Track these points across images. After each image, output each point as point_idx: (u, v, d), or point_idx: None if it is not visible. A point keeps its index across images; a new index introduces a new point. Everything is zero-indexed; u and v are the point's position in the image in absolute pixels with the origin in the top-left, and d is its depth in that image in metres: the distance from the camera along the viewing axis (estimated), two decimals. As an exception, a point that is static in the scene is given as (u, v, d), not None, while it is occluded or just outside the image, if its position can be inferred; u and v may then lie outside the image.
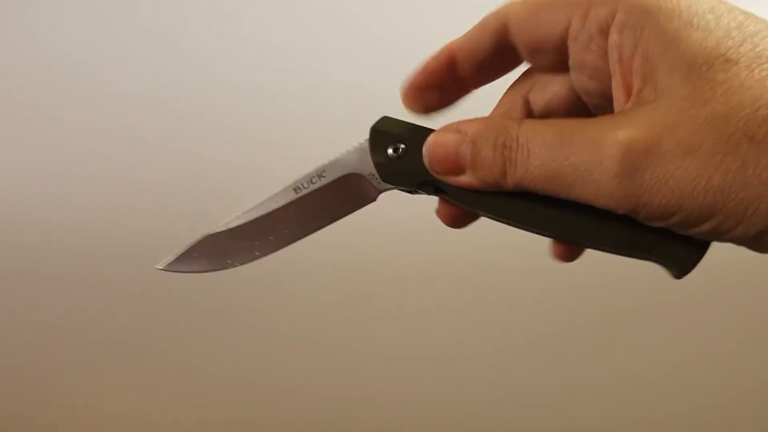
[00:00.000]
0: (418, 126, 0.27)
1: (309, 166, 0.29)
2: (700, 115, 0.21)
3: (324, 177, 0.28)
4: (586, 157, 0.22)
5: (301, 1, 0.76)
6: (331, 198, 0.28)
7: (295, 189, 0.28)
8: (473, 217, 0.28)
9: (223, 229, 0.29)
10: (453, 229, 0.29)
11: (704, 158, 0.20)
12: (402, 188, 0.27)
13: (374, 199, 0.28)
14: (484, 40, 0.27)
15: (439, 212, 0.28)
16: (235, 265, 0.29)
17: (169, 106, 0.76)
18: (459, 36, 0.27)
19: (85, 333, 0.77)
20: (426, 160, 0.26)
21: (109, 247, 0.76)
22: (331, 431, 0.76)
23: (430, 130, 0.27)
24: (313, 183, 0.28)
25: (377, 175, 0.27)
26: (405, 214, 0.61)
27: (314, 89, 0.74)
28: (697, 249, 0.25)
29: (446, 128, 0.26)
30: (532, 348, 0.72)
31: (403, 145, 0.27)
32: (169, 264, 0.29)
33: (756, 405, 0.72)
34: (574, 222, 0.25)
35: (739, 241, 0.22)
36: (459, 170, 0.25)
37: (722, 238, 0.22)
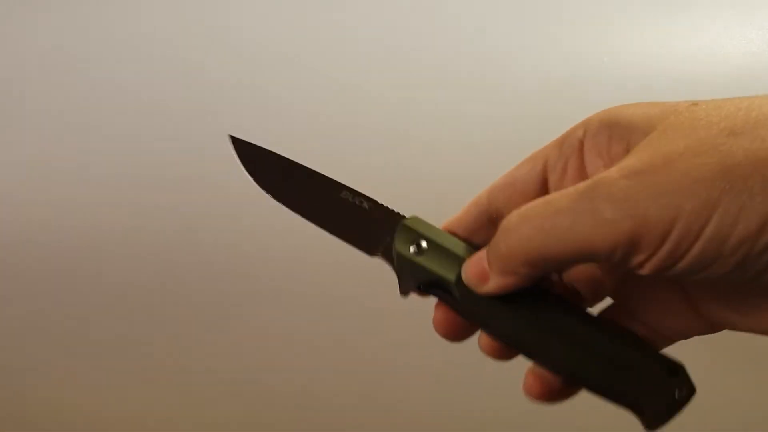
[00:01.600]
0: (443, 231, 0.29)
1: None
2: (678, 132, 0.22)
3: (366, 208, 0.30)
4: (581, 198, 0.23)
5: (303, 1, 0.76)
6: (353, 221, 0.30)
7: (343, 189, 0.30)
8: (469, 332, 0.29)
9: (283, 155, 0.31)
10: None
11: (690, 158, 0.21)
12: (407, 280, 0.29)
13: (371, 255, 0.30)
14: (471, 218, 0.29)
15: (436, 322, 0.29)
16: (260, 184, 0.31)
17: (167, 107, 0.76)
18: (453, 216, 0.30)
19: (85, 332, 0.77)
20: (464, 279, 0.27)
21: (109, 247, 0.76)
22: (331, 430, 0.76)
23: (452, 237, 0.29)
24: (358, 203, 0.30)
25: (390, 256, 0.29)
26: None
27: (314, 89, 0.74)
28: (671, 406, 0.25)
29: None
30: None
31: (425, 244, 0.28)
32: (239, 140, 0.32)
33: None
34: (565, 347, 0.26)
35: (746, 251, 0.21)
36: (485, 277, 0.26)
37: (726, 247, 0.21)
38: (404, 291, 0.29)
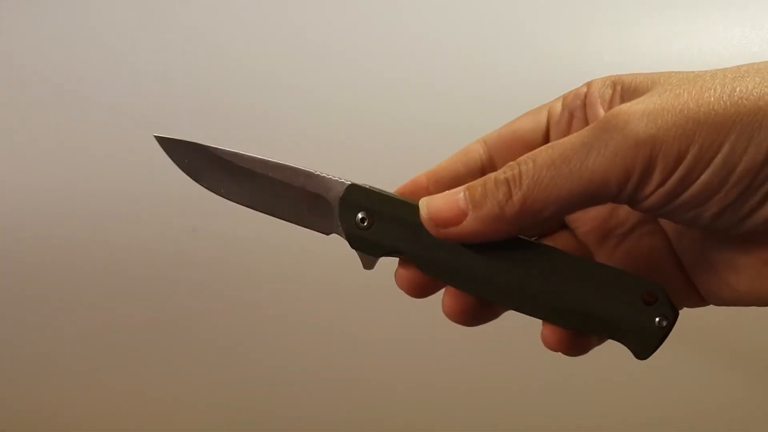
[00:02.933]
0: (384, 195, 0.28)
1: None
2: (685, 80, 0.23)
3: (304, 185, 0.28)
4: (594, 132, 0.23)
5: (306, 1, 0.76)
6: (298, 201, 0.29)
7: (278, 168, 0.29)
8: (434, 288, 0.28)
9: (213, 147, 0.30)
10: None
11: (701, 93, 0.22)
12: (365, 255, 0.28)
13: (326, 233, 0.29)
14: (462, 167, 0.29)
15: (398, 278, 0.28)
16: (201, 184, 0.30)
17: (167, 109, 0.76)
18: (439, 164, 0.29)
19: (85, 332, 0.77)
20: (424, 216, 0.26)
21: (110, 246, 0.76)
22: (332, 429, 0.76)
23: (395, 199, 0.27)
24: (295, 181, 0.29)
25: (340, 233, 0.28)
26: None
27: (315, 87, 0.74)
28: (656, 333, 0.25)
29: (439, 194, 0.26)
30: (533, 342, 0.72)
31: (370, 216, 0.27)
32: (165, 138, 0.31)
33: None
34: (539, 288, 0.26)
35: (748, 182, 0.22)
36: (460, 217, 0.25)
37: (733, 176, 0.22)
38: (367, 266, 0.28)
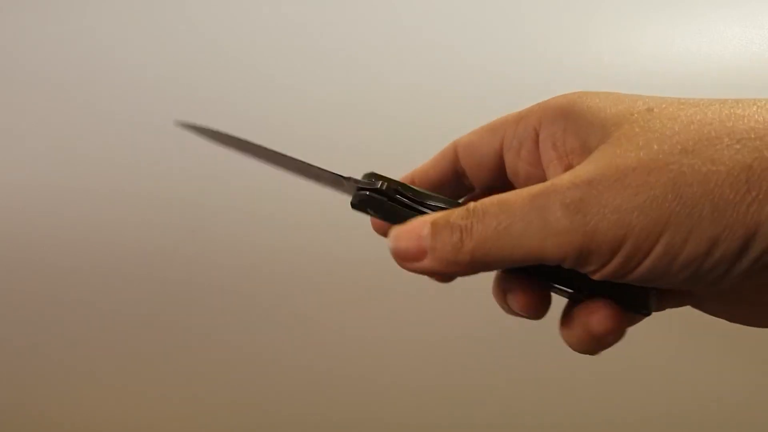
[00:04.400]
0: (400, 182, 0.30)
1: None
2: (632, 143, 0.22)
3: (318, 176, 0.31)
4: (534, 205, 0.23)
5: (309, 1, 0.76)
6: (320, 176, 0.31)
7: (292, 162, 0.31)
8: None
9: (235, 136, 0.32)
10: None
11: (643, 175, 0.21)
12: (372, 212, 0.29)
13: (343, 187, 0.30)
14: (438, 167, 0.31)
15: (375, 225, 0.30)
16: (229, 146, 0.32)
17: (167, 110, 0.76)
18: (419, 166, 0.31)
19: (84, 332, 0.77)
20: (391, 248, 0.26)
21: (110, 246, 0.76)
22: (332, 429, 0.76)
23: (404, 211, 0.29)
24: (308, 172, 0.31)
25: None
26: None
27: (315, 86, 0.74)
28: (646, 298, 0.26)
29: (412, 220, 0.27)
30: (533, 342, 0.72)
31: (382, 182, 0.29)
32: (189, 125, 0.33)
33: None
34: None
35: (695, 268, 0.22)
36: (422, 254, 0.25)
37: (675, 264, 0.22)
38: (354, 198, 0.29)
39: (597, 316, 0.26)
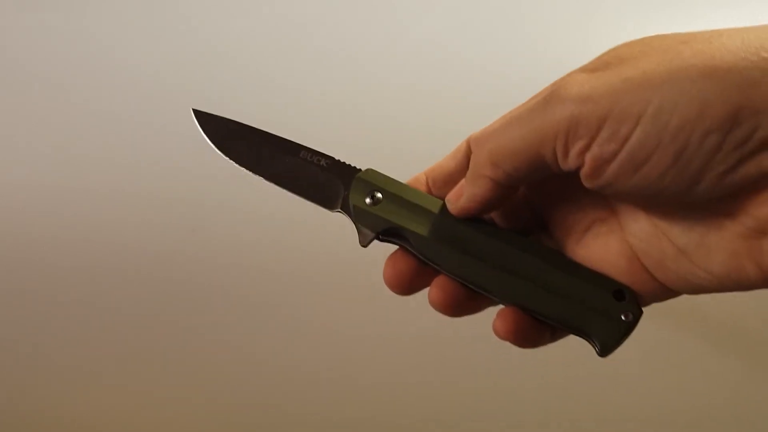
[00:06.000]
0: (397, 181, 0.31)
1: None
2: (638, 42, 0.23)
3: (324, 165, 0.31)
4: (536, 100, 0.25)
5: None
6: (312, 179, 0.31)
7: (302, 150, 0.32)
8: (423, 283, 0.30)
9: (240, 123, 0.33)
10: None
11: (640, 58, 0.22)
12: (366, 230, 0.30)
13: (330, 209, 0.31)
14: (455, 160, 0.31)
15: (386, 276, 0.30)
16: (225, 154, 0.33)
17: (168, 107, 0.76)
18: (437, 162, 0.32)
19: (83, 333, 0.77)
20: (447, 199, 0.29)
21: (110, 245, 0.76)
22: (331, 429, 0.76)
23: (407, 187, 0.30)
24: (316, 161, 0.31)
25: (348, 210, 0.31)
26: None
27: (315, 85, 0.74)
28: (619, 330, 0.27)
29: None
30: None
31: (380, 195, 0.30)
32: (202, 113, 0.33)
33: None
34: (523, 274, 0.28)
35: (685, 140, 0.22)
36: (461, 192, 0.28)
37: (668, 130, 0.21)
38: (363, 241, 0.30)
39: (498, 321, 0.28)
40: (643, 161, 0.22)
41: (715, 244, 0.24)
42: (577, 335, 0.28)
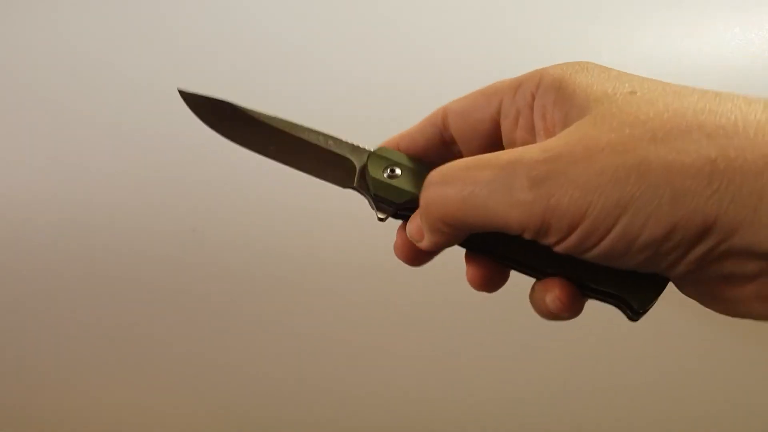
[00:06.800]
0: (411, 157, 0.31)
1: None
2: (606, 123, 0.22)
3: (330, 144, 0.31)
4: (500, 173, 0.23)
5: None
6: (320, 157, 0.31)
7: (305, 130, 0.31)
8: (428, 256, 0.30)
9: (243, 107, 0.32)
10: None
11: (609, 156, 0.22)
12: (386, 205, 0.30)
13: (344, 186, 0.31)
14: (426, 134, 0.31)
15: (397, 247, 0.30)
16: (220, 133, 0.32)
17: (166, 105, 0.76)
18: (405, 130, 0.31)
19: (82, 334, 0.77)
20: (407, 230, 0.29)
21: (110, 244, 0.76)
22: (329, 430, 0.76)
23: (420, 161, 0.30)
24: (321, 141, 0.31)
25: (365, 185, 0.31)
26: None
27: (314, 85, 0.74)
28: (651, 293, 0.26)
29: None
30: (535, 345, 0.72)
31: (398, 170, 0.30)
32: (189, 93, 0.33)
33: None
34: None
35: (653, 252, 0.22)
36: (420, 236, 0.28)
37: (634, 246, 0.22)
38: (383, 216, 0.30)
39: (551, 295, 0.27)
40: (616, 259, 0.23)
41: (734, 298, 0.24)
42: (609, 301, 0.27)
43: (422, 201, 0.26)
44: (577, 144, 0.22)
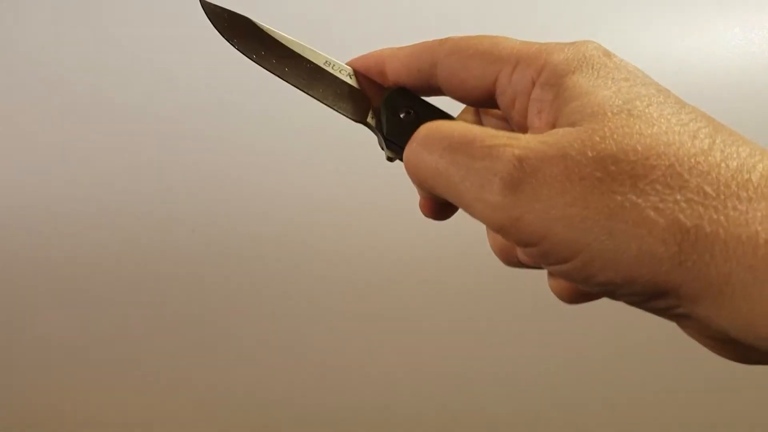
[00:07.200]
0: (428, 102, 0.30)
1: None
2: (594, 148, 0.21)
3: (348, 77, 0.30)
4: (477, 164, 0.23)
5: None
6: (338, 90, 0.30)
7: (324, 58, 0.31)
8: (455, 208, 0.29)
9: (263, 26, 0.31)
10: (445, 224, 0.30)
11: (585, 189, 0.21)
12: (397, 147, 0.29)
13: (357, 120, 0.30)
14: (412, 76, 0.29)
15: (422, 204, 0.29)
16: (235, 47, 0.31)
17: (165, 107, 0.76)
18: (394, 47, 0.30)
19: (82, 334, 0.77)
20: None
21: (108, 250, 0.76)
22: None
23: (437, 107, 0.29)
24: (339, 72, 0.30)
25: (378, 124, 0.30)
26: (402, 217, 0.61)
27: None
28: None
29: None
30: (536, 347, 0.72)
31: (413, 112, 0.29)
32: (211, 5, 0.32)
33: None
34: None
35: (609, 291, 0.22)
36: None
37: (590, 281, 0.22)
38: (392, 155, 0.30)
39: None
40: (571, 281, 0.23)
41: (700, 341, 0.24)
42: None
43: (404, 154, 0.26)
44: (557, 164, 0.21)
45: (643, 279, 0.20)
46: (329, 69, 0.30)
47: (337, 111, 0.30)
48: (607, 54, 0.25)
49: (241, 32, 0.31)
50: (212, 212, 0.74)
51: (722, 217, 0.20)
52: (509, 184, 0.22)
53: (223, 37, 0.31)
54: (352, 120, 0.30)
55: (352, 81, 0.30)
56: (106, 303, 0.77)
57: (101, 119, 0.77)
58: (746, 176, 0.20)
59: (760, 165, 0.20)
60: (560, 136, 0.22)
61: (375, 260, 0.73)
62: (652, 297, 0.21)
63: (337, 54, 0.32)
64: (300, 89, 0.30)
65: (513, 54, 0.26)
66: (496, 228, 0.22)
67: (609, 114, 0.22)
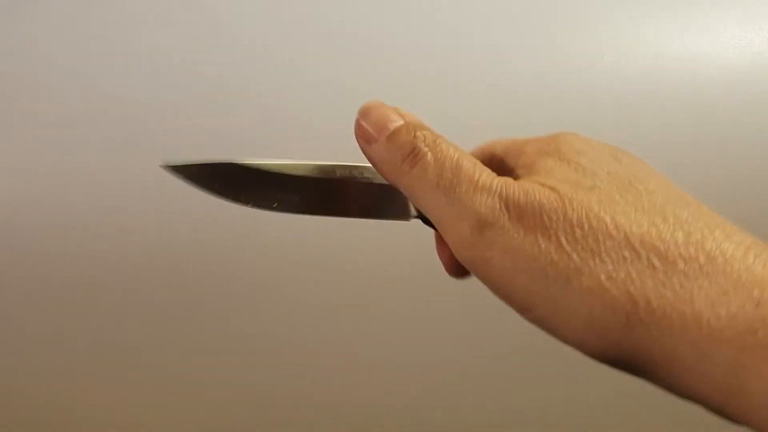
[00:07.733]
0: None
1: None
2: (565, 211, 0.22)
3: (367, 177, 0.27)
4: (459, 195, 0.23)
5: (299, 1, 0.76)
6: (368, 196, 0.27)
7: (334, 168, 0.27)
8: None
9: (252, 164, 0.26)
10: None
11: (547, 250, 0.21)
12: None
13: (407, 219, 0.28)
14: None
15: (441, 256, 0.30)
16: (248, 205, 0.26)
17: (165, 106, 0.76)
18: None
19: (82, 334, 0.77)
20: (358, 115, 0.26)
21: (105, 248, 0.76)
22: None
23: None
24: (357, 175, 0.27)
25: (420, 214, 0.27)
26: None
27: (310, 87, 0.74)
28: None
29: (392, 108, 0.27)
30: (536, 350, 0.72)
31: None
32: (175, 165, 0.26)
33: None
34: None
35: (568, 343, 0.22)
36: (372, 141, 0.26)
37: (543, 325, 0.22)
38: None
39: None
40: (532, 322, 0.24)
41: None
42: None
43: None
44: (531, 217, 0.22)
45: (592, 344, 0.21)
46: (344, 175, 0.27)
47: (380, 218, 0.27)
48: (579, 142, 0.26)
49: (230, 180, 0.25)
50: (212, 212, 0.74)
51: (669, 292, 0.20)
52: (480, 224, 0.22)
53: (213, 194, 0.26)
54: (401, 221, 0.27)
55: (374, 179, 0.27)
56: (107, 303, 0.77)
57: (102, 117, 0.77)
58: (694, 253, 0.20)
59: (710, 242, 0.21)
60: (535, 188, 0.23)
61: (377, 258, 0.73)
62: (608, 354, 0.21)
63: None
64: (328, 215, 0.26)
65: (504, 148, 0.28)
66: (464, 260, 0.23)
67: (574, 187, 0.23)
